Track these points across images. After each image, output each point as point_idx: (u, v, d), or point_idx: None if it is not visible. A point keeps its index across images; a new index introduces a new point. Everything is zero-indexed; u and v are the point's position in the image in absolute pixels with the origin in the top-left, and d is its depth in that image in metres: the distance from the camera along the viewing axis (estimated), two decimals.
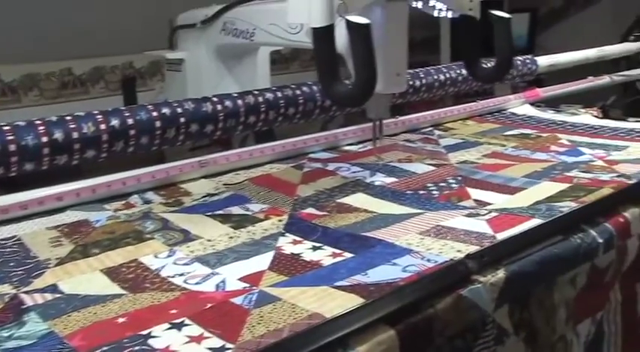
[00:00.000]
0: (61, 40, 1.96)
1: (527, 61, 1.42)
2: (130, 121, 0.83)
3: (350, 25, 0.71)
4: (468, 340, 0.56)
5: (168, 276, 0.61)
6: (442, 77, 1.22)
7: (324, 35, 0.73)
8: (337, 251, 0.65)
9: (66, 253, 0.67)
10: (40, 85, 2.03)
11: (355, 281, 0.58)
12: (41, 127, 0.77)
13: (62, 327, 0.52)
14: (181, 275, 0.61)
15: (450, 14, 0.87)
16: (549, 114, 1.28)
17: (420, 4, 0.85)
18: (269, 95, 0.97)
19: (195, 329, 0.51)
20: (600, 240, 0.68)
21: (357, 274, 0.59)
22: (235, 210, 0.78)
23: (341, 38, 0.74)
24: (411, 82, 1.16)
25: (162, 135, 0.86)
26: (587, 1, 3.02)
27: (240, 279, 0.60)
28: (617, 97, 1.53)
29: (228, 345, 0.49)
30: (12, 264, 0.65)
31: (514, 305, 0.59)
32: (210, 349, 0.48)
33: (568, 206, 0.74)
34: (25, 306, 0.56)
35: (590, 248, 0.67)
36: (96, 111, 0.82)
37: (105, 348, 0.49)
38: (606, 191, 0.78)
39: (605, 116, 1.28)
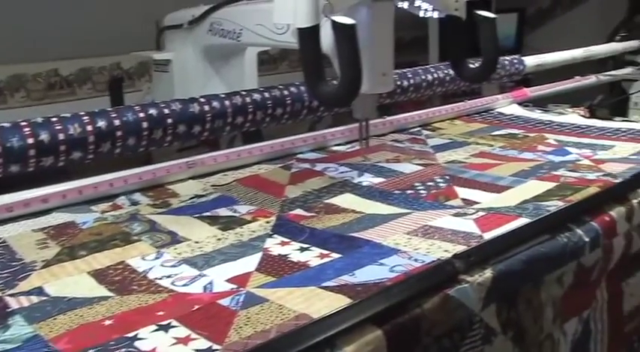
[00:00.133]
0: (48, 41, 1.95)
1: (515, 60, 1.43)
2: (117, 122, 0.83)
3: (335, 25, 0.71)
4: (455, 339, 0.56)
5: (156, 278, 0.61)
6: (430, 77, 1.22)
7: (309, 35, 0.73)
8: (325, 251, 0.65)
9: (52, 255, 0.67)
10: (26, 86, 2.02)
11: (343, 281, 0.58)
12: (27, 129, 0.76)
13: (47, 330, 0.52)
14: (169, 277, 0.61)
15: (435, 14, 0.88)
16: (537, 114, 1.29)
17: (405, 5, 0.85)
18: (257, 96, 0.97)
19: (182, 331, 0.51)
20: (586, 239, 0.68)
21: (345, 274, 0.59)
22: (223, 211, 0.78)
23: (327, 38, 0.74)
24: (398, 82, 1.16)
25: (150, 136, 0.86)
26: (574, 2, 3.04)
27: (228, 281, 0.60)
28: (604, 97, 1.54)
29: (215, 347, 0.48)
30: None
31: (501, 304, 0.60)
32: (197, 350, 0.48)
33: (555, 205, 0.74)
34: (10, 309, 0.55)
35: (577, 247, 0.67)
36: (82, 113, 0.82)
37: (91, 351, 0.48)
38: (593, 190, 0.78)
39: (592, 115, 1.29)
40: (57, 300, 0.57)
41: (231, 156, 0.96)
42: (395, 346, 0.50)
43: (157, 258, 0.65)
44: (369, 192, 0.83)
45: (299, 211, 0.77)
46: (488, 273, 0.58)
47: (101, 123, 0.81)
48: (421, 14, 0.87)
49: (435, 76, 1.23)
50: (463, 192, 0.82)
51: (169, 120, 0.87)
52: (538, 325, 0.64)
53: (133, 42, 1.50)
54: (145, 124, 0.85)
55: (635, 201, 0.76)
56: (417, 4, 0.86)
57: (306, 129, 1.21)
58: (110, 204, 0.82)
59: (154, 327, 0.51)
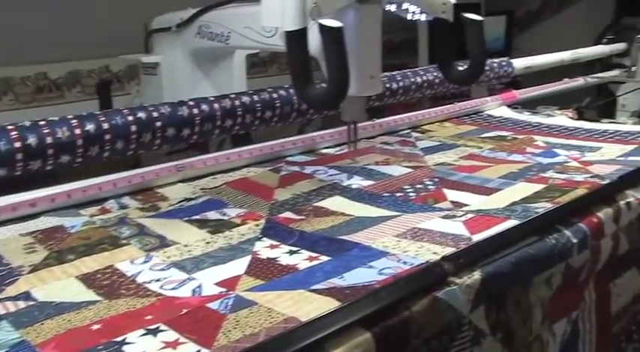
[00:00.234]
0: (37, 44, 1.94)
1: (504, 63, 1.44)
2: (106, 126, 0.82)
3: (323, 28, 0.71)
4: (444, 341, 0.56)
5: (145, 282, 0.61)
6: (419, 79, 1.23)
7: (297, 38, 0.73)
8: (314, 254, 0.65)
9: (40, 260, 0.66)
10: (14, 89, 2.01)
11: (331, 284, 0.58)
12: (14, 132, 0.76)
13: (34, 335, 0.51)
14: (157, 280, 0.61)
15: (423, 17, 0.88)
16: (525, 116, 1.29)
17: (393, 7, 0.86)
18: (246, 98, 0.97)
19: (170, 335, 0.51)
20: (575, 240, 0.68)
21: (334, 277, 0.59)
22: (212, 214, 0.78)
23: (314, 41, 0.74)
24: (388, 85, 1.17)
25: (138, 139, 0.86)
26: (562, 4, 3.06)
27: (217, 284, 0.60)
28: (592, 99, 1.55)
29: (204, 350, 0.48)
30: None
31: (490, 306, 0.60)
32: None
33: (543, 207, 0.75)
34: None
35: (565, 248, 0.67)
36: (70, 116, 0.81)
37: None
38: (580, 191, 0.79)
39: (580, 117, 1.30)
40: (44, 305, 0.56)
41: (220, 159, 0.96)
42: (384, 348, 0.50)
43: (145, 262, 0.65)
44: (358, 195, 0.84)
45: (288, 214, 0.77)
46: (477, 275, 0.58)
47: (90, 127, 0.81)
48: (409, 17, 0.87)
49: (425, 78, 1.24)
50: (452, 195, 0.82)
51: (158, 124, 0.87)
52: (527, 326, 0.65)
53: (122, 45, 1.50)
54: (133, 128, 0.85)
55: (622, 203, 0.77)
56: (404, 6, 0.86)
57: (295, 132, 1.21)
58: (99, 207, 0.81)
59: (143, 331, 0.51)
